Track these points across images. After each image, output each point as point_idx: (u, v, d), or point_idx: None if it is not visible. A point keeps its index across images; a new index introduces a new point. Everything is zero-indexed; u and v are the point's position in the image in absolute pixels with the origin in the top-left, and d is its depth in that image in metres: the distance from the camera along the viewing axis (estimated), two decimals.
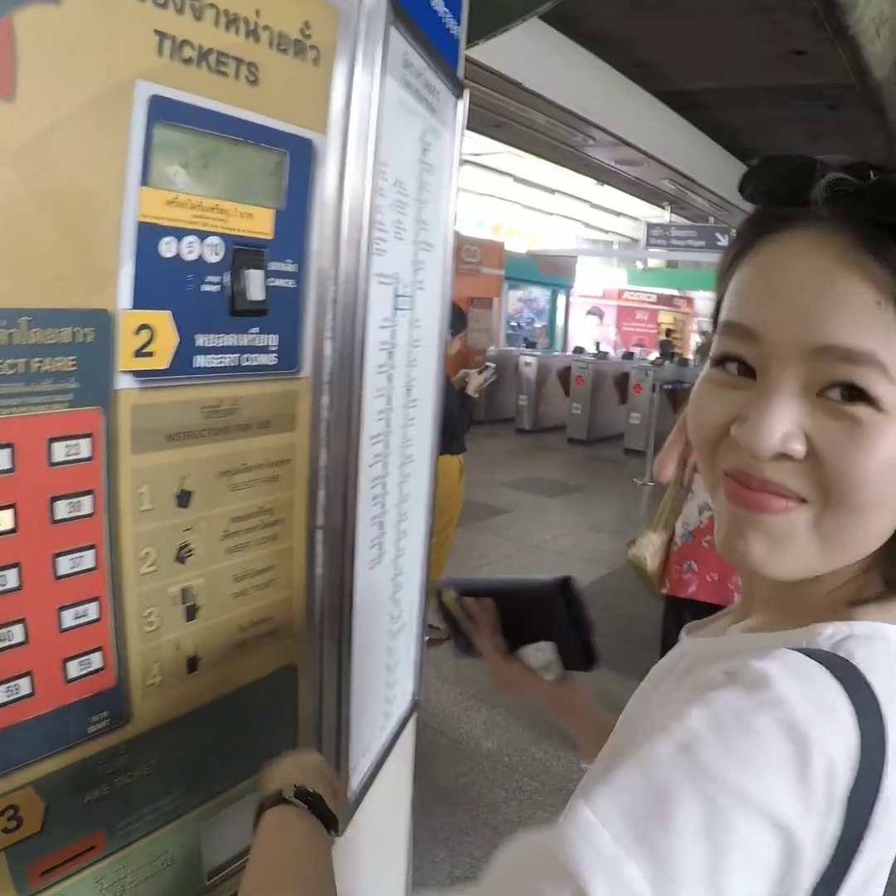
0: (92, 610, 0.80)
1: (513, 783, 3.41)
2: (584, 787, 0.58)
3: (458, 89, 1.38)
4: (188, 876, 1.01)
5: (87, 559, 0.79)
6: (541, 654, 1.08)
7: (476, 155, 9.45)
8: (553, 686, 1.08)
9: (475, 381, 4.15)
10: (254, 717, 1.05)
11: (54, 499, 0.75)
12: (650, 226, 14.41)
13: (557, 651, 1.07)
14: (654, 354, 14.36)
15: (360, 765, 1.37)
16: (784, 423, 0.54)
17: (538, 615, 1.09)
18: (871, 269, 0.51)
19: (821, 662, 0.51)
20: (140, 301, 0.78)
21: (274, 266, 0.91)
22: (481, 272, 13.60)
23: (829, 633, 0.56)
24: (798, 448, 0.54)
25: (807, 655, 0.51)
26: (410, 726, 1.72)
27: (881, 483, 0.53)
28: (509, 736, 3.76)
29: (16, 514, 0.72)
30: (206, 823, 1.02)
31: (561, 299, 17.92)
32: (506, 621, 1.11)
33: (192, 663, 0.93)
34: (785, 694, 0.48)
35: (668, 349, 14.75)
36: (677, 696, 0.54)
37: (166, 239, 0.80)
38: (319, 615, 1.10)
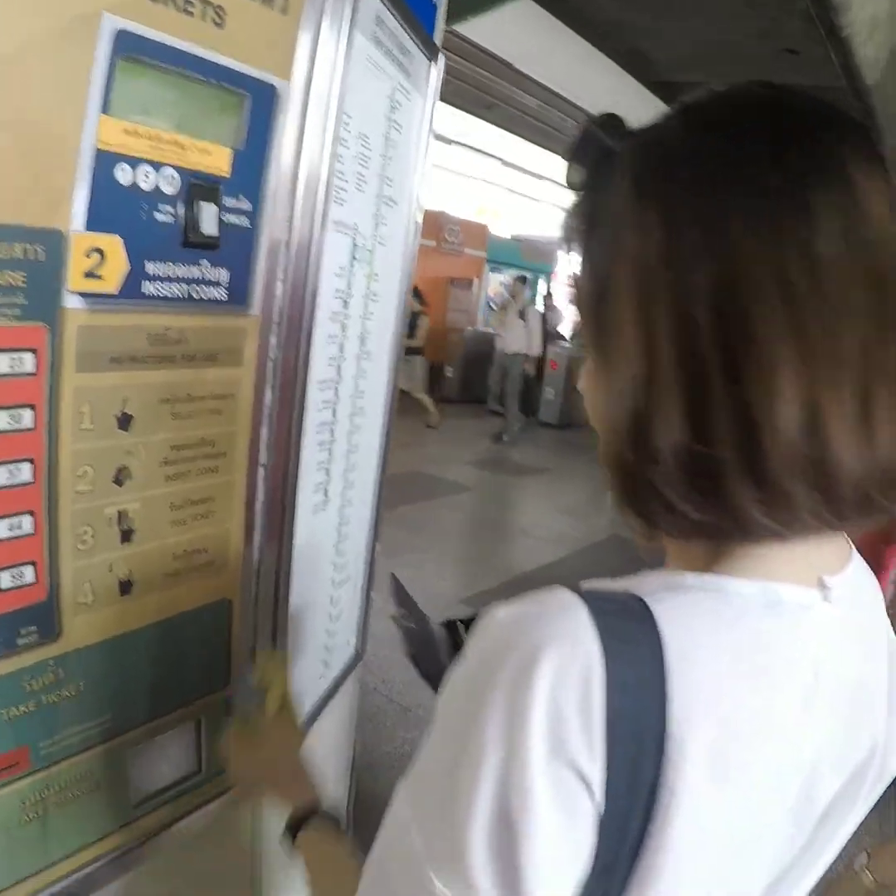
0: (26, 523, 0.82)
1: None
2: None
3: (431, 53, 1.39)
4: (114, 802, 1.03)
5: (24, 472, 0.80)
6: None
7: (464, 134, 9.37)
8: None
9: None
10: (186, 648, 1.07)
11: None
12: None
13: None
14: None
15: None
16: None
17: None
18: None
19: (586, 597, 0.49)
20: (93, 224, 0.80)
21: (228, 203, 0.92)
22: (463, 253, 13.53)
23: (653, 579, 0.56)
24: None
25: (572, 590, 0.50)
26: (352, 682, 1.74)
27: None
28: None
29: None
30: (135, 750, 1.04)
31: (542, 285, 17.85)
32: None
33: (125, 586, 0.95)
34: (502, 638, 0.50)
35: None
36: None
37: (122, 166, 0.81)
38: (258, 552, 1.12)
